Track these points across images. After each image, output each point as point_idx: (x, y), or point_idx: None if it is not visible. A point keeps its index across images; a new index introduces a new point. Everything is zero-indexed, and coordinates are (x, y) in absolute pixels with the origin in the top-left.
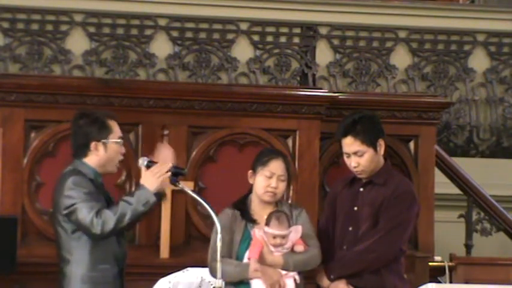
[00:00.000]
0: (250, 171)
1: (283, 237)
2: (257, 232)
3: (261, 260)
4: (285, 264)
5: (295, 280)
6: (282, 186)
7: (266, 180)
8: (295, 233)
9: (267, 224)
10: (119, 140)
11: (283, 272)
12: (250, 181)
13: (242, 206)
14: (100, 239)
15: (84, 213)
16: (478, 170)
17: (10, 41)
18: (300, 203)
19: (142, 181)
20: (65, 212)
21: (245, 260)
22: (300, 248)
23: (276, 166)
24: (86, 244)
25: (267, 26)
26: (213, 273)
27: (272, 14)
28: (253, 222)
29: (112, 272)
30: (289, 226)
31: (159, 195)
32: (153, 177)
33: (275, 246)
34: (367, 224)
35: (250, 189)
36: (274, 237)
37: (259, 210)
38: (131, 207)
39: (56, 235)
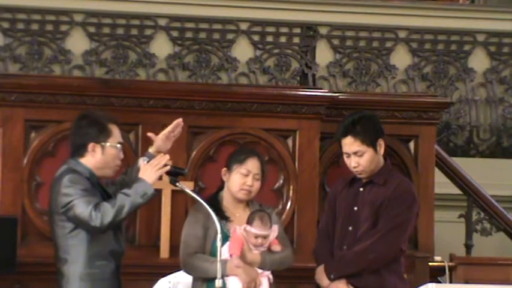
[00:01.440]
0: (224, 169)
1: (265, 237)
2: (238, 229)
3: (241, 257)
4: (262, 262)
5: (269, 279)
6: (257, 185)
7: (242, 178)
8: (273, 232)
9: (250, 223)
10: (118, 145)
11: (259, 271)
12: (224, 179)
13: (214, 203)
14: (99, 232)
15: (82, 208)
16: (478, 170)
17: (10, 41)
18: (300, 203)
19: (140, 174)
20: (62, 210)
21: (222, 257)
22: (277, 247)
23: (253, 164)
24: (83, 242)
25: (267, 26)
26: (188, 270)
27: (272, 14)
28: (226, 219)
29: (109, 268)
30: (271, 226)
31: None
32: (151, 170)
33: (255, 245)
34: (367, 224)
35: (220, 187)
36: (256, 237)
37: (231, 208)
38: (129, 199)
39: (52, 235)
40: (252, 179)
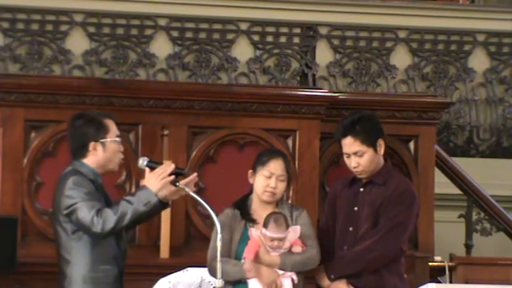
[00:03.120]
0: (250, 171)
1: (281, 239)
2: (254, 232)
3: (258, 259)
4: (282, 264)
5: (292, 280)
6: (282, 186)
7: (265, 180)
8: (294, 233)
9: (265, 226)
10: (117, 139)
11: (281, 272)
12: (251, 181)
13: (242, 206)
14: (100, 237)
15: (85, 212)
16: (478, 170)
17: (10, 41)
18: (300, 203)
19: (145, 182)
20: (65, 212)
21: (243, 260)
22: (298, 248)
23: (275, 166)
24: (87, 245)
25: (267, 26)
26: (212, 273)
27: (272, 14)
28: (253, 222)
29: (113, 272)
30: (287, 227)
31: (164, 203)
32: (155, 179)
33: (272, 248)
34: (367, 224)
35: (251, 189)
36: (272, 239)
37: (259, 210)
38: (132, 206)
39: (55, 235)
40: (275, 180)
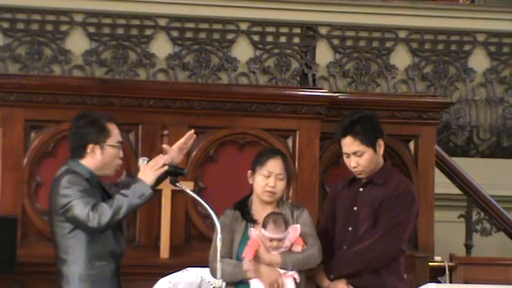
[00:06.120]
0: (249, 171)
1: (279, 240)
2: (253, 232)
3: (259, 259)
4: (283, 263)
5: (294, 279)
6: (281, 185)
7: (264, 180)
8: (294, 232)
9: (264, 226)
10: (117, 144)
11: (282, 271)
12: (250, 181)
13: (243, 207)
14: (97, 232)
15: (80, 208)
16: (478, 170)
17: (10, 41)
18: (300, 203)
19: (139, 175)
20: (61, 211)
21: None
22: (298, 247)
23: (274, 165)
24: (82, 243)
25: (267, 26)
26: (213, 274)
27: (272, 14)
28: (254, 222)
29: (109, 268)
30: (287, 227)
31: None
32: (149, 171)
33: (272, 248)
34: (367, 223)
35: (251, 190)
36: (271, 240)
37: (260, 210)
38: (127, 199)
39: (52, 236)
40: (274, 179)
